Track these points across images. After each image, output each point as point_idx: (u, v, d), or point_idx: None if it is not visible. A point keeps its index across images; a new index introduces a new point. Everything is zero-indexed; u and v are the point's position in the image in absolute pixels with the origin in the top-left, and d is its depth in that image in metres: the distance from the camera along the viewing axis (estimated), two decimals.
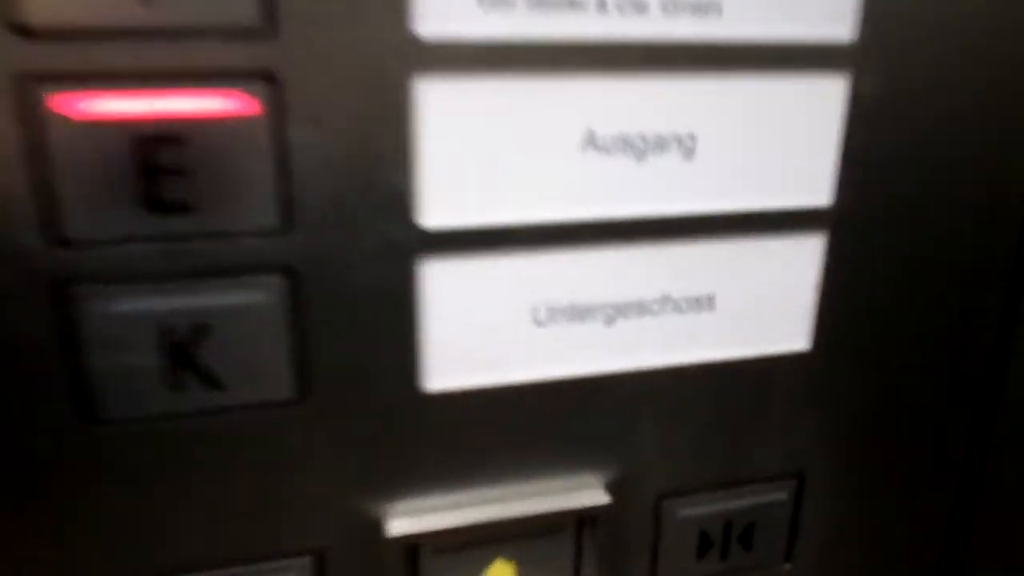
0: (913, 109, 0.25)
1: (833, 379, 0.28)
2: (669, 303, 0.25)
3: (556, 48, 0.22)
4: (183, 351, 0.22)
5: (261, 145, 0.21)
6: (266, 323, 0.22)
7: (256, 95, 0.20)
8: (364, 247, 0.22)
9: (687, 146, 0.24)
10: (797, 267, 0.26)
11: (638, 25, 0.22)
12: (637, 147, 0.23)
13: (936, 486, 0.32)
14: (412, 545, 0.25)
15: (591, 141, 0.23)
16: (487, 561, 0.26)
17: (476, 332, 0.24)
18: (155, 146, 0.20)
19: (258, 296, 0.22)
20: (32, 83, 0.19)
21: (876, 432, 0.30)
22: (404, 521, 0.25)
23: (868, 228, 0.26)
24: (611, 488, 0.27)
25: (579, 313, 0.25)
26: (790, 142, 0.25)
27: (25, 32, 0.18)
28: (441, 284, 0.23)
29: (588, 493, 0.27)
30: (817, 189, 0.26)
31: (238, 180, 0.21)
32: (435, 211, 0.23)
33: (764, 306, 0.27)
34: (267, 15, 0.20)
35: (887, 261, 0.27)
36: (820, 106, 0.25)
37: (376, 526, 0.25)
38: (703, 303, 0.26)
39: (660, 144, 0.24)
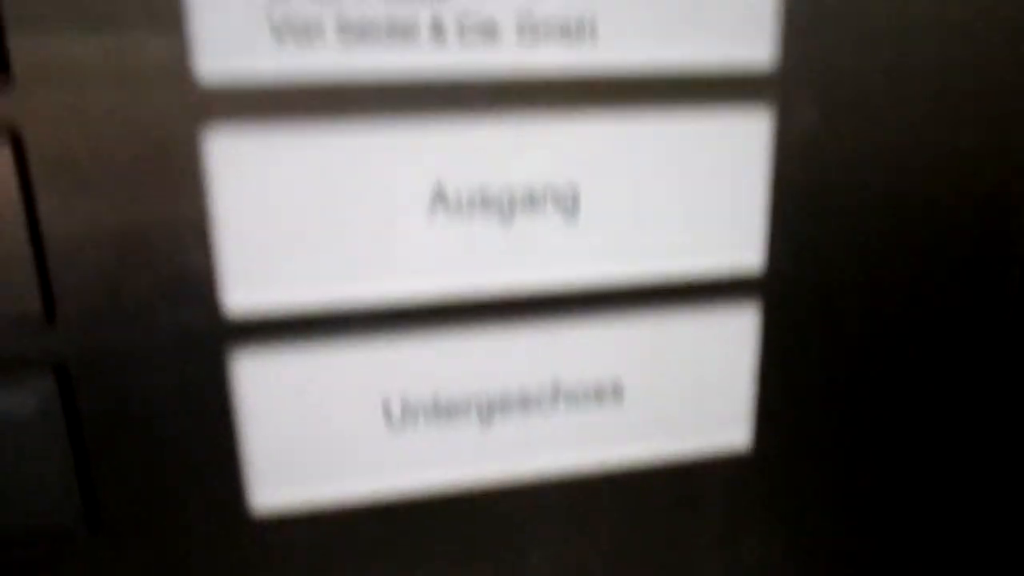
0: (854, 139, 0.20)
1: (788, 486, 0.23)
2: (560, 394, 0.21)
3: (381, 89, 0.18)
4: None
5: (3, 212, 0.17)
6: (31, 435, 0.18)
7: None
8: (155, 339, 0.18)
9: (566, 203, 0.19)
10: (725, 345, 0.21)
11: (488, 57, 0.18)
12: (500, 205, 0.19)
13: None
14: None
15: (440, 199, 0.19)
16: None
17: (313, 440, 0.19)
18: None
19: (17, 401, 0.18)
20: None
21: (852, 554, 0.24)
22: None
23: (814, 292, 0.21)
24: None
25: (445, 410, 0.20)
26: (703, 190, 0.20)
27: None
28: (260, 382, 0.19)
29: None
30: (744, 247, 0.21)
31: None
32: (244, 291, 0.18)
33: (688, 396, 0.21)
34: None
35: (843, 331, 0.22)
36: (742, 142, 0.20)
37: None
38: (606, 393, 0.21)
39: (531, 200, 0.19)
